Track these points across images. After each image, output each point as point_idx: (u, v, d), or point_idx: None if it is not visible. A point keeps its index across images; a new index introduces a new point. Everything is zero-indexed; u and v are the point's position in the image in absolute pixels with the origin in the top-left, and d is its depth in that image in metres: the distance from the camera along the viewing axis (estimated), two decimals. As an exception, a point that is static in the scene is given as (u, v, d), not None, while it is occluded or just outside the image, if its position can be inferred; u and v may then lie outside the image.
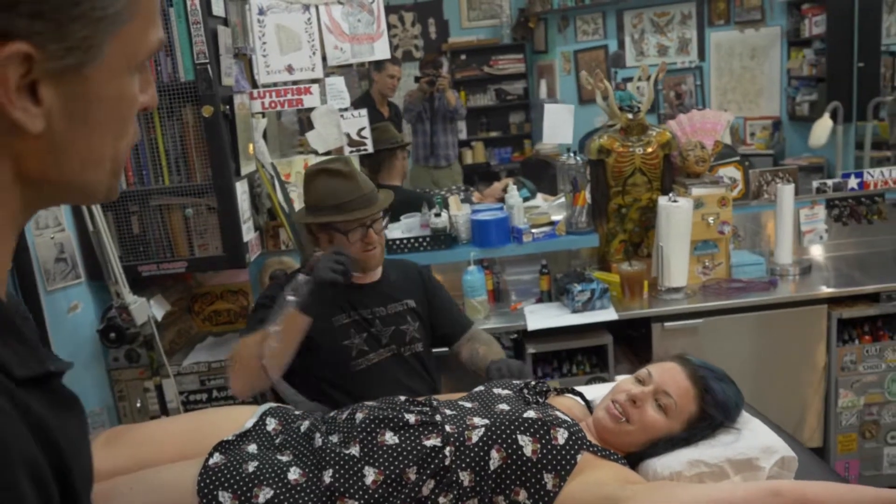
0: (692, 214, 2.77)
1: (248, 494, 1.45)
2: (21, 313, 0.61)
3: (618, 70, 5.57)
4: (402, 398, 1.71)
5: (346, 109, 2.96)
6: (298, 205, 2.89)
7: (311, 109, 2.97)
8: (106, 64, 0.56)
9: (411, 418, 1.58)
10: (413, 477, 1.49)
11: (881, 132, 4.35)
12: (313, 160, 2.99)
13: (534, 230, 2.92)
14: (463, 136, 6.35)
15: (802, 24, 5.03)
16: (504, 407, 1.64)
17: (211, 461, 1.51)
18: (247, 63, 2.87)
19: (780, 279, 2.89)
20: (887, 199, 3.19)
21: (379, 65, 4.40)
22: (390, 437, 1.55)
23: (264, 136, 2.92)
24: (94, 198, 0.62)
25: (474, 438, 1.54)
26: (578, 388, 1.89)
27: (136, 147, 2.52)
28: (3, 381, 0.51)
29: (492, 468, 1.51)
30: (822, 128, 3.59)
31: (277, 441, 1.63)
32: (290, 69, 2.87)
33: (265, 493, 1.45)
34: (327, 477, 1.48)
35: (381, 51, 2.93)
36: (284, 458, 1.55)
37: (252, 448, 1.59)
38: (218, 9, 2.58)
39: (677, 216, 2.73)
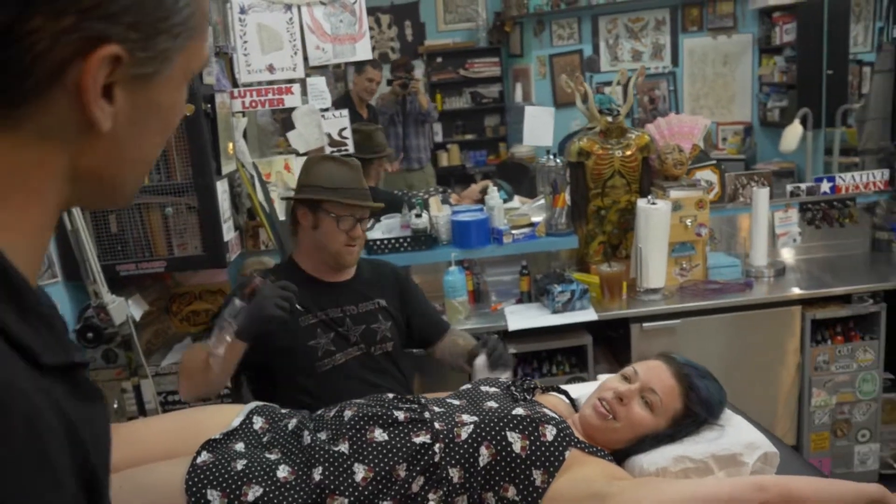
0: (670, 217, 2.81)
1: (238, 493, 1.44)
2: (48, 302, 0.61)
3: (592, 74, 5.62)
4: (391, 395, 1.71)
5: (327, 109, 2.96)
6: (279, 205, 2.88)
7: (287, 110, 2.98)
8: (170, 75, 0.60)
9: (400, 415, 1.58)
10: (403, 474, 1.49)
11: (849, 138, 4.44)
12: (294, 161, 2.99)
13: (514, 231, 2.95)
14: (439, 138, 6.36)
15: (773, 31, 5.13)
16: (492, 404, 1.65)
17: (199, 460, 1.50)
18: (228, 62, 2.86)
19: (755, 281, 2.94)
20: (858, 203, 3.26)
21: (359, 68, 4.41)
22: (379, 434, 1.55)
23: (244, 135, 2.91)
24: (123, 200, 0.65)
25: (464, 435, 1.55)
26: (563, 387, 1.90)
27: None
28: (29, 369, 0.51)
29: (481, 465, 1.52)
30: (793, 133, 3.66)
31: (265, 439, 1.62)
32: (271, 69, 2.87)
33: (254, 491, 1.45)
34: (317, 474, 1.48)
35: (363, 51, 2.94)
36: (273, 457, 1.54)
37: (239, 446, 1.58)
38: (200, 7, 2.56)
39: (656, 218, 2.77)
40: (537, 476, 1.50)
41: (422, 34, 6.24)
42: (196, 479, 1.45)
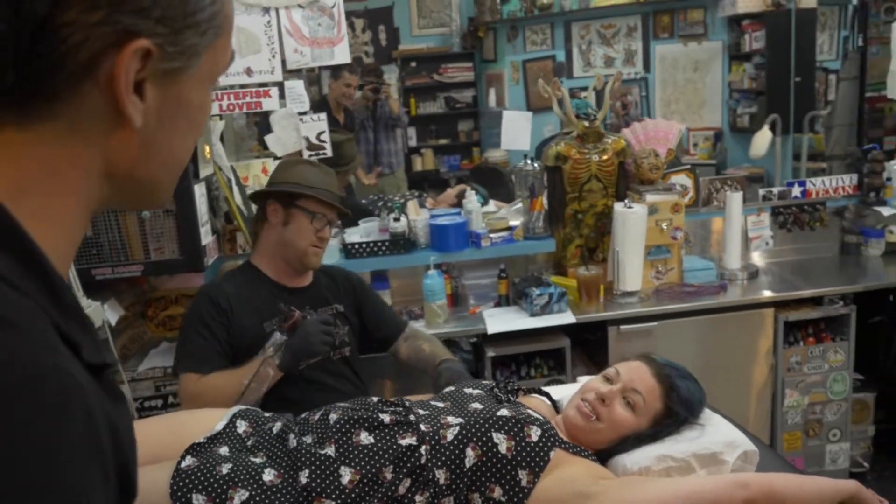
0: (646, 220, 2.85)
1: (223, 496, 1.43)
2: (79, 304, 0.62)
3: (562, 79, 5.67)
4: (375, 399, 1.71)
5: (305, 113, 2.95)
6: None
7: (263, 113, 2.97)
8: (198, 73, 0.61)
9: (386, 418, 1.59)
10: (389, 476, 1.50)
11: (816, 144, 4.54)
12: (272, 164, 2.97)
13: (492, 235, 2.96)
14: (413, 143, 6.38)
15: (743, 39, 5.22)
16: (477, 406, 1.66)
17: (183, 464, 1.49)
18: (205, 65, 2.84)
19: (729, 283, 2.99)
20: (828, 208, 3.33)
21: (336, 73, 4.41)
22: (365, 437, 1.55)
23: (221, 138, 2.90)
24: (159, 201, 0.66)
25: (449, 437, 1.55)
26: (545, 389, 1.92)
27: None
28: (76, 362, 0.52)
29: (467, 466, 1.52)
30: (762, 139, 3.73)
31: (249, 443, 1.61)
32: (248, 72, 2.85)
33: (240, 495, 1.44)
34: (303, 477, 1.48)
35: (342, 55, 2.94)
36: (258, 460, 1.54)
37: (224, 450, 1.57)
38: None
39: (632, 222, 2.81)
40: (523, 476, 1.51)
41: (396, 39, 6.27)
42: (181, 484, 1.44)
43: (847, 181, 3.36)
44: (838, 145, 4.31)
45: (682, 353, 2.74)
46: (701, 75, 5.50)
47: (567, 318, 2.76)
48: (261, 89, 2.87)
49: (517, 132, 3.11)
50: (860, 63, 4.12)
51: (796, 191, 3.31)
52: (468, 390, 1.77)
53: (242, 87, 2.87)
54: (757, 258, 3.31)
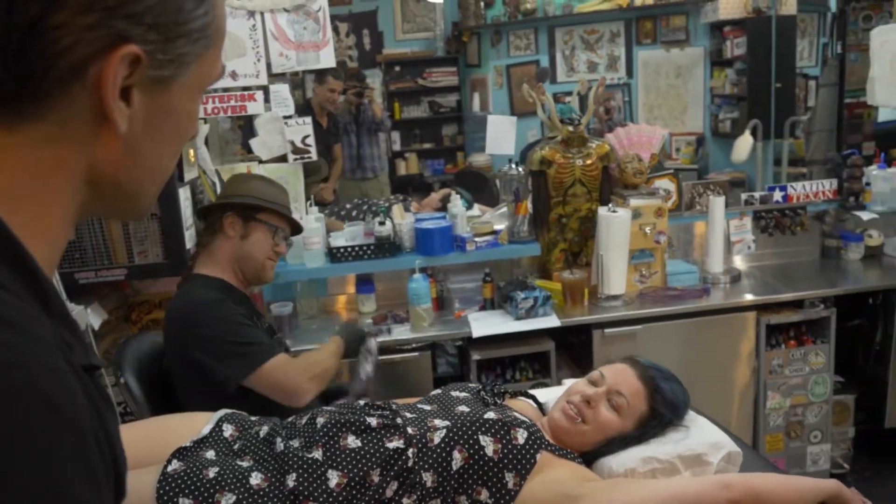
0: (630, 224, 2.87)
1: (210, 500, 1.43)
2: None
3: (544, 84, 5.70)
4: (361, 402, 1.71)
5: (290, 117, 2.95)
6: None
7: (247, 117, 2.96)
8: (187, 82, 0.61)
9: (373, 421, 1.59)
10: (377, 479, 1.50)
11: (797, 150, 4.59)
12: (256, 168, 2.97)
13: (477, 239, 2.97)
14: (397, 147, 6.38)
15: (724, 45, 5.27)
16: (464, 409, 1.66)
17: (169, 468, 1.49)
18: (189, 68, 2.83)
19: (712, 287, 3.02)
20: (808, 212, 3.37)
21: (320, 78, 4.41)
22: (353, 441, 1.55)
23: (206, 142, 2.89)
24: (141, 210, 0.66)
25: (436, 440, 1.56)
26: (531, 392, 1.93)
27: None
28: (75, 365, 0.52)
29: (454, 468, 1.53)
30: (744, 144, 3.77)
31: (236, 447, 1.61)
32: (233, 75, 2.85)
33: (227, 499, 1.44)
34: (291, 481, 1.48)
35: (327, 59, 2.94)
36: (245, 464, 1.53)
37: (210, 454, 1.56)
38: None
39: (616, 226, 2.83)
40: (509, 479, 1.52)
41: (380, 43, 6.27)
42: (167, 488, 1.43)
43: (827, 186, 3.40)
44: (818, 150, 4.36)
45: (666, 355, 2.76)
46: (683, 81, 5.54)
47: (552, 321, 2.77)
48: (246, 93, 2.87)
49: (502, 136, 3.12)
50: (839, 69, 4.17)
51: (777, 195, 3.35)
52: (455, 393, 1.77)
53: (226, 90, 2.86)
54: (739, 262, 3.35)
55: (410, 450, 1.53)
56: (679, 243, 3.33)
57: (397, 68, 6.31)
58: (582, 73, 5.69)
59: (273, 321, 2.71)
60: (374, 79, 6.11)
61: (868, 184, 3.39)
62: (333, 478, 1.49)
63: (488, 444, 1.54)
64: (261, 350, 2.00)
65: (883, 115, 3.79)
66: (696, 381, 2.82)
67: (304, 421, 1.65)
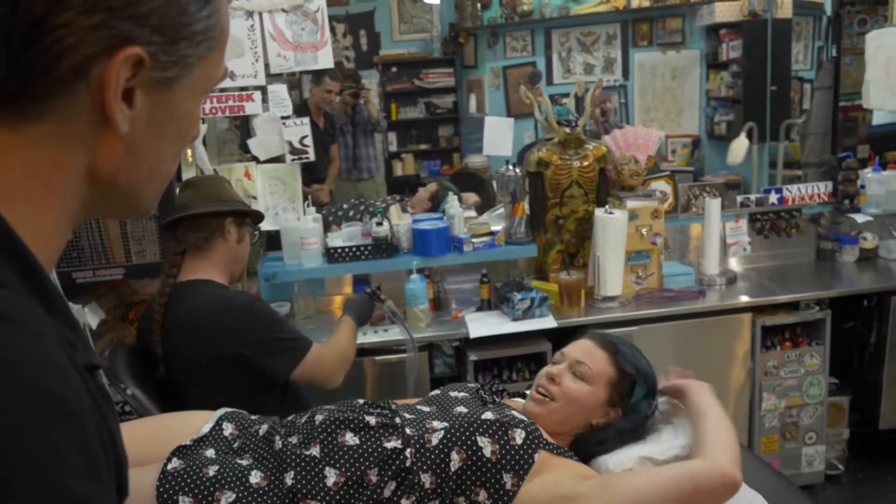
0: (627, 226, 2.88)
1: (210, 499, 1.43)
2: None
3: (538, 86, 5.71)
4: (361, 401, 1.72)
5: (288, 117, 2.96)
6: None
7: (244, 118, 2.96)
8: (190, 84, 0.61)
9: (371, 420, 1.59)
10: (374, 479, 1.50)
11: (792, 152, 4.61)
12: (254, 168, 2.97)
13: (474, 240, 2.98)
14: (393, 148, 6.39)
15: (720, 48, 5.28)
16: (462, 409, 1.67)
17: (169, 466, 1.49)
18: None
19: (707, 289, 3.03)
20: (804, 214, 3.39)
21: (317, 79, 4.42)
22: (350, 438, 1.56)
23: (204, 142, 2.89)
24: (142, 210, 0.66)
25: (434, 441, 1.56)
26: (528, 392, 1.93)
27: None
28: (77, 362, 0.52)
29: (452, 470, 1.53)
30: (739, 147, 3.79)
31: (235, 445, 1.61)
32: (231, 75, 2.85)
33: (227, 497, 1.44)
34: (289, 479, 1.48)
35: (325, 60, 2.95)
36: (244, 462, 1.54)
37: (210, 453, 1.57)
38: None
39: (613, 227, 2.84)
40: (508, 479, 1.53)
41: (377, 44, 6.27)
42: (167, 486, 1.44)
43: (822, 188, 3.42)
44: (813, 153, 4.39)
45: (662, 357, 2.77)
46: (679, 83, 5.56)
47: (548, 322, 2.78)
48: (244, 93, 2.87)
49: (499, 138, 3.13)
50: (834, 73, 4.20)
51: (773, 198, 3.37)
52: (453, 393, 1.78)
53: (224, 90, 2.86)
54: (735, 264, 3.36)
55: (408, 450, 1.54)
56: (675, 245, 3.34)
57: (394, 69, 6.32)
58: (578, 74, 5.70)
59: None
60: (371, 79, 6.12)
61: (863, 186, 3.42)
62: (331, 476, 1.49)
63: (486, 445, 1.55)
64: (302, 343, 2.10)
65: (877, 119, 3.82)
66: (692, 382, 2.84)
67: (303, 419, 1.65)
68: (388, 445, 1.54)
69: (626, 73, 5.68)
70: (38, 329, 0.50)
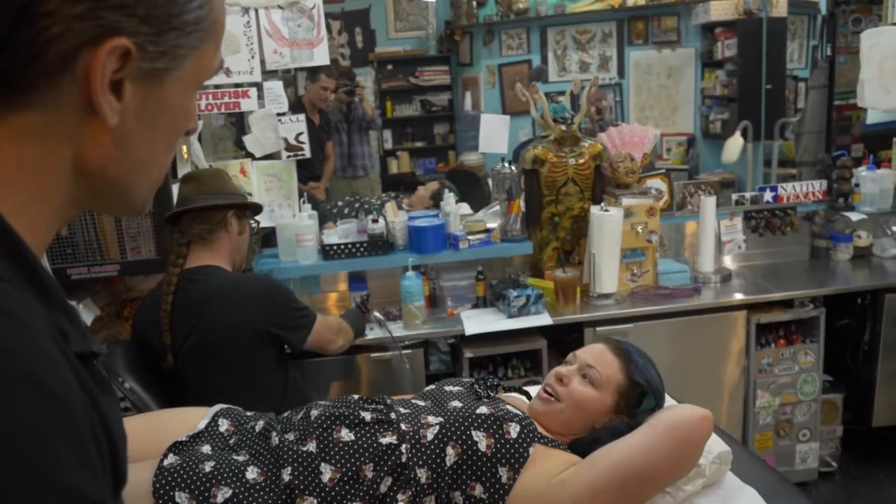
0: (622, 223, 2.89)
1: (206, 494, 1.43)
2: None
3: (538, 83, 5.71)
4: (356, 397, 1.72)
5: (283, 114, 2.95)
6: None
7: (239, 114, 2.96)
8: (183, 76, 0.60)
9: (367, 416, 1.60)
10: (370, 474, 1.50)
11: (786, 151, 4.62)
12: (250, 165, 2.97)
13: (470, 237, 2.98)
14: (389, 145, 6.38)
15: (715, 46, 5.29)
16: (457, 404, 1.67)
17: (165, 462, 1.49)
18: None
19: (702, 286, 3.04)
20: (798, 212, 3.40)
21: (312, 76, 4.41)
22: (346, 434, 1.56)
23: (199, 138, 2.88)
24: (134, 205, 0.65)
25: (430, 436, 1.57)
26: (525, 388, 1.94)
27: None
28: (69, 351, 0.52)
29: (448, 464, 1.53)
30: (734, 145, 3.80)
31: (231, 441, 1.61)
32: (227, 72, 2.84)
33: (223, 493, 1.44)
34: (286, 475, 1.49)
35: (321, 57, 2.94)
36: (241, 458, 1.54)
37: (206, 449, 1.57)
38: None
39: (608, 225, 2.84)
40: (503, 473, 1.53)
41: (372, 41, 6.26)
42: (164, 482, 1.44)
43: (817, 187, 3.43)
44: (808, 152, 4.39)
45: (657, 354, 2.74)
46: (674, 81, 5.57)
47: (544, 319, 2.78)
48: (239, 89, 2.87)
49: (495, 135, 3.14)
50: (829, 72, 4.21)
51: (768, 196, 3.38)
52: (448, 388, 1.78)
53: (217, 87, 2.86)
54: (729, 261, 3.37)
55: (404, 445, 1.54)
56: (670, 243, 3.35)
57: (389, 67, 6.31)
58: (574, 73, 5.70)
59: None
60: (367, 77, 6.11)
61: (857, 185, 3.43)
62: (326, 472, 1.49)
63: (481, 440, 1.55)
64: (310, 312, 2.27)
65: (872, 117, 3.82)
66: (687, 379, 2.85)
67: (299, 415, 1.65)
68: (384, 441, 1.54)
69: (621, 71, 5.68)
70: (31, 321, 0.50)
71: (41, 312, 0.52)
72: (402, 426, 1.58)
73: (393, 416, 1.61)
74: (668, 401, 1.85)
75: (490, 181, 3.49)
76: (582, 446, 1.67)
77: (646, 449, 1.45)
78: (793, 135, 4.65)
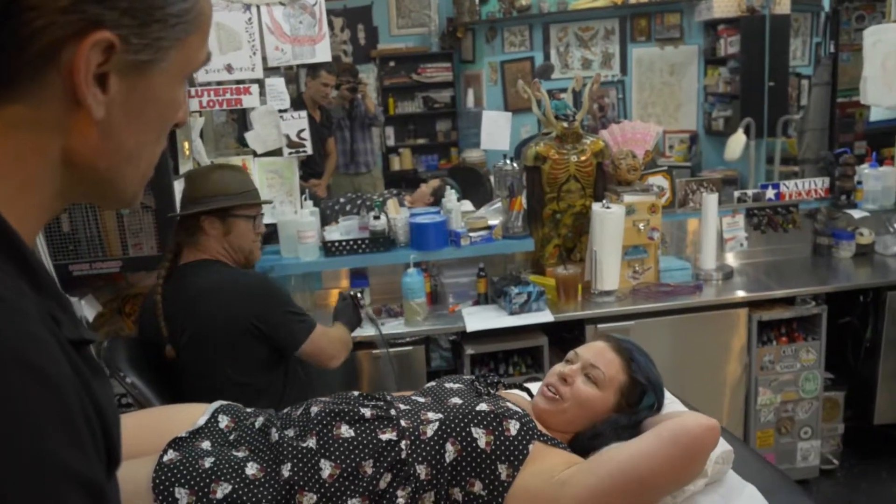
0: (624, 221, 2.88)
1: (206, 490, 1.44)
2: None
3: (542, 81, 5.71)
4: (356, 393, 1.72)
5: (285, 110, 2.95)
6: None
7: (241, 111, 2.96)
8: (168, 69, 0.61)
9: (367, 412, 1.60)
10: (370, 471, 1.50)
11: (789, 148, 4.61)
12: (251, 161, 2.97)
13: (471, 234, 2.98)
14: (391, 142, 6.39)
15: (718, 43, 5.29)
16: (457, 401, 1.67)
17: (165, 458, 1.49)
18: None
19: (704, 284, 3.03)
20: (800, 210, 3.39)
21: (313, 72, 4.41)
22: (346, 430, 1.56)
23: (201, 135, 2.89)
24: (123, 197, 0.65)
25: (429, 432, 1.57)
26: (525, 385, 1.94)
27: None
28: (61, 336, 0.53)
29: (447, 461, 1.53)
30: (737, 142, 3.79)
31: (231, 437, 1.61)
32: (229, 68, 2.85)
33: (223, 489, 1.44)
34: (286, 471, 1.49)
35: (323, 53, 2.94)
36: (240, 454, 1.54)
37: (206, 445, 1.57)
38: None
39: (610, 222, 2.84)
40: (502, 470, 1.53)
41: (374, 38, 6.26)
42: (163, 478, 1.44)
43: (819, 184, 3.42)
44: (810, 149, 4.37)
45: (659, 351, 2.75)
46: (677, 78, 5.56)
47: (545, 316, 2.78)
48: (241, 86, 2.87)
49: (497, 132, 3.13)
50: (832, 69, 4.19)
51: (770, 193, 3.37)
52: (449, 385, 1.78)
53: (219, 83, 2.86)
54: (731, 259, 3.36)
55: (403, 442, 1.54)
56: (672, 240, 3.35)
57: (392, 63, 6.31)
58: (576, 69, 5.70)
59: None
60: (369, 74, 6.11)
61: (859, 182, 3.42)
62: (326, 468, 1.50)
63: (481, 437, 1.55)
64: (310, 320, 2.22)
65: (875, 115, 3.81)
66: (688, 376, 2.85)
67: (298, 412, 1.65)
68: (384, 437, 1.54)
69: (623, 68, 5.68)
70: (20, 305, 0.51)
71: (33, 299, 0.52)
72: (402, 423, 1.58)
73: (393, 412, 1.61)
74: (670, 398, 1.84)
75: (492, 178, 3.49)
76: (583, 441, 1.68)
77: (650, 456, 1.45)
78: (795, 132, 4.64)
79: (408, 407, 1.66)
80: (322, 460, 1.50)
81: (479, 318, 2.81)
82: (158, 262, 2.56)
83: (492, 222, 3.05)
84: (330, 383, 2.69)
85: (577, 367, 1.69)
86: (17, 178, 0.56)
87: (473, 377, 1.83)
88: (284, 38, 2.88)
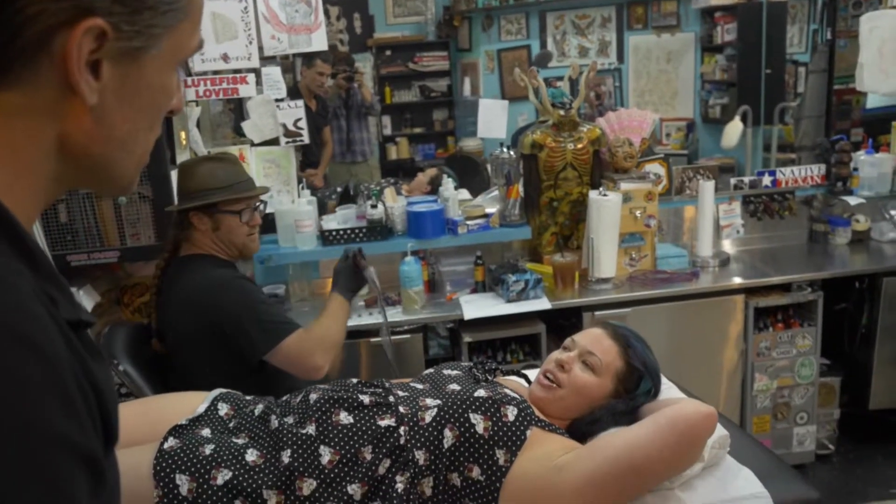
0: (621, 208, 2.89)
1: (206, 476, 1.45)
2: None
3: (540, 69, 5.70)
4: (354, 380, 1.73)
5: (282, 100, 2.95)
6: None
7: (237, 100, 2.96)
8: (160, 55, 0.61)
9: (365, 399, 1.61)
10: (369, 456, 1.52)
11: (786, 135, 4.62)
12: (249, 151, 2.97)
13: (468, 222, 2.99)
14: (388, 131, 6.38)
15: (715, 31, 5.29)
16: (455, 387, 1.68)
17: (166, 445, 1.50)
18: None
19: (701, 270, 3.05)
20: (797, 197, 3.40)
21: (308, 61, 4.41)
22: (345, 417, 1.57)
23: (198, 124, 2.88)
24: (119, 184, 0.66)
25: (427, 418, 1.58)
26: (523, 372, 1.95)
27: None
28: (57, 315, 0.54)
29: (446, 447, 1.55)
30: (734, 130, 3.79)
31: (231, 425, 1.62)
32: (225, 58, 2.84)
33: (223, 475, 1.45)
34: (285, 457, 1.50)
35: (319, 42, 2.94)
36: (240, 441, 1.55)
37: (206, 432, 1.58)
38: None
39: (607, 210, 2.85)
40: (500, 455, 1.54)
41: (371, 27, 6.24)
42: (164, 465, 1.45)
43: (815, 171, 3.43)
44: (807, 136, 4.39)
45: (656, 338, 2.76)
46: (674, 66, 5.56)
47: (543, 304, 2.79)
48: (237, 75, 2.86)
49: (493, 120, 3.14)
50: (829, 56, 4.20)
51: (766, 180, 3.38)
52: (447, 371, 1.79)
53: (215, 73, 2.86)
54: (728, 246, 3.38)
55: (402, 428, 1.55)
56: (669, 227, 3.36)
57: (388, 52, 6.30)
58: (573, 58, 5.69)
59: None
60: (365, 63, 6.10)
61: (856, 169, 3.43)
62: (325, 454, 1.51)
63: (479, 422, 1.56)
64: (283, 327, 2.06)
65: (871, 102, 3.82)
66: (685, 362, 2.86)
67: (298, 399, 1.66)
68: (382, 423, 1.55)
69: (620, 55, 5.68)
70: (16, 282, 0.52)
71: (30, 279, 0.53)
72: (401, 409, 1.59)
73: (391, 399, 1.62)
74: (667, 384, 1.85)
75: (489, 166, 3.50)
76: (581, 426, 1.69)
77: (648, 443, 1.46)
78: (792, 119, 4.65)
79: (406, 393, 1.67)
80: (321, 446, 1.52)
81: (476, 306, 2.82)
82: (156, 252, 2.60)
83: (489, 210, 3.06)
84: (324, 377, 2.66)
85: (575, 354, 1.71)
86: (12, 165, 0.57)
87: (471, 364, 1.84)
88: (280, 27, 2.87)
